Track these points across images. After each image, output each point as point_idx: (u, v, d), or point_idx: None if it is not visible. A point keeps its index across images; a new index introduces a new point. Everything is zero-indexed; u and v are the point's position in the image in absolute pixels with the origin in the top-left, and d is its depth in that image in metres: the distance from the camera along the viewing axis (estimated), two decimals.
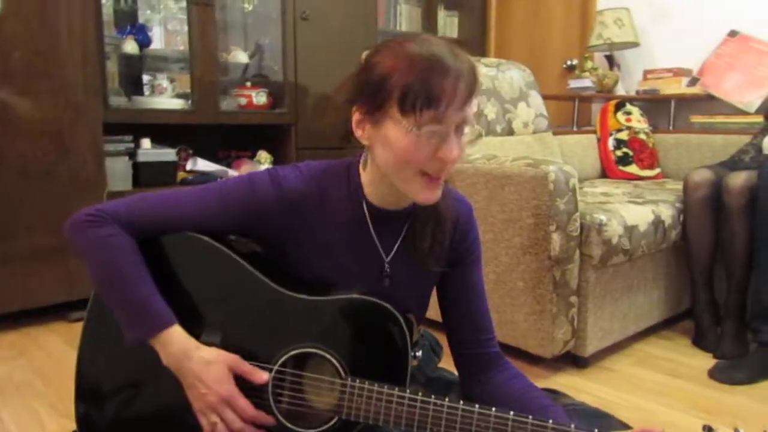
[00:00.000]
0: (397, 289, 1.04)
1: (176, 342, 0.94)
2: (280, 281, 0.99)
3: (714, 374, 1.87)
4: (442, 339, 1.21)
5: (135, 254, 0.95)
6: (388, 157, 0.91)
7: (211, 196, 1.00)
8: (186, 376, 0.94)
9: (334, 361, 0.95)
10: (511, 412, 0.88)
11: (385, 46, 0.91)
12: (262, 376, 0.95)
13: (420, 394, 0.92)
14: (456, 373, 1.16)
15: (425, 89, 0.85)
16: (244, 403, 0.94)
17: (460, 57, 0.88)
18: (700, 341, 2.12)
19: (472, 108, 0.90)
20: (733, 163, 2.27)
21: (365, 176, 1.00)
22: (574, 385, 1.82)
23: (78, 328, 1.05)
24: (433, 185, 0.92)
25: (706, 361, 1.98)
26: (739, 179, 1.98)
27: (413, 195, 0.93)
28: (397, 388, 0.92)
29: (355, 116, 0.94)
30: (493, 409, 0.89)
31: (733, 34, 3.18)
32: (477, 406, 0.89)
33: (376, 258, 1.04)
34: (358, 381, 0.94)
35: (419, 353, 0.99)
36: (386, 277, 1.04)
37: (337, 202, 1.01)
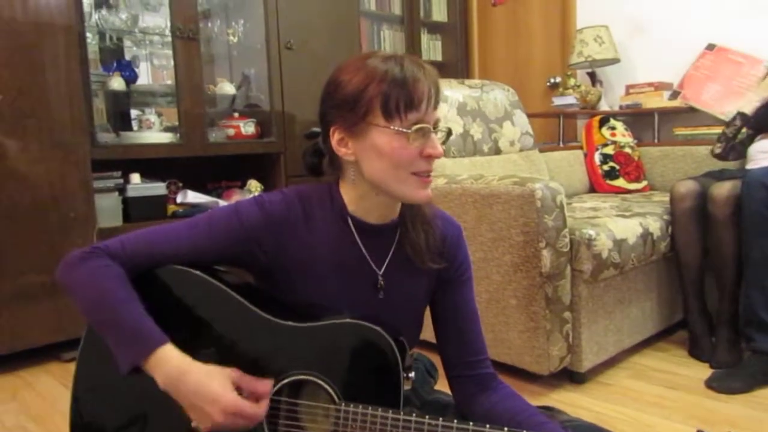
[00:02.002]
0: (392, 303, 1.05)
1: (171, 360, 0.90)
2: (271, 310, 0.99)
3: (711, 384, 1.87)
4: (438, 361, 1.21)
5: (124, 281, 0.95)
6: (380, 164, 0.94)
7: (200, 228, 1.01)
8: (185, 395, 0.89)
9: (328, 387, 0.95)
10: (506, 428, 0.88)
11: (347, 65, 0.96)
12: (265, 387, 0.92)
13: (414, 415, 0.91)
14: (451, 394, 1.16)
15: (405, 93, 0.91)
16: (251, 409, 0.89)
17: (422, 64, 0.95)
18: (695, 351, 2.12)
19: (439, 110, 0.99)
20: (719, 173, 2.30)
21: (347, 194, 1.02)
22: (572, 401, 1.81)
23: (71, 367, 1.05)
24: (425, 184, 0.97)
25: (702, 370, 1.99)
26: (723, 189, 2.00)
27: (410, 196, 0.97)
28: (391, 411, 0.92)
29: (335, 136, 0.97)
30: (488, 426, 0.89)
31: (710, 47, 3.24)
32: (471, 423, 0.89)
33: (369, 272, 1.04)
34: (351, 405, 0.93)
35: (412, 375, 0.99)
36: (380, 290, 1.05)
37: (322, 221, 1.02)
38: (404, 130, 0.91)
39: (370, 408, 0.93)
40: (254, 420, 0.90)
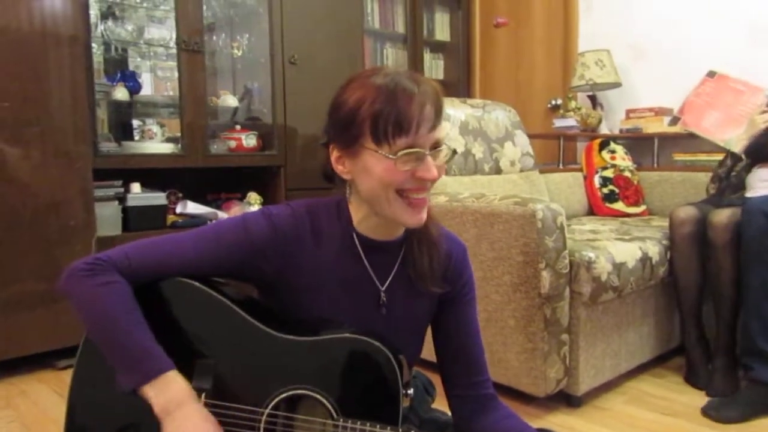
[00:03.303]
0: (394, 320, 1.05)
1: (175, 389, 0.91)
2: (271, 323, 0.99)
3: (707, 412, 1.86)
4: (436, 380, 1.21)
5: (131, 300, 0.94)
6: (370, 184, 0.94)
7: (207, 239, 1.01)
8: (173, 427, 0.90)
9: (326, 402, 0.95)
10: None
11: (351, 81, 0.96)
12: None
13: None
14: (448, 413, 1.15)
15: (394, 116, 0.89)
16: None
17: (423, 82, 0.93)
18: (691, 378, 2.12)
19: (442, 129, 0.95)
20: (718, 200, 2.31)
21: (354, 210, 1.03)
22: (568, 425, 1.80)
23: (66, 376, 1.04)
24: (416, 207, 0.95)
25: (698, 398, 1.98)
26: (723, 216, 2.01)
27: (400, 218, 0.96)
28: (389, 428, 0.92)
29: (334, 154, 0.98)
30: None
31: (711, 74, 3.26)
32: None
33: (372, 288, 1.04)
34: (350, 422, 0.93)
35: (411, 392, 0.99)
36: (383, 306, 1.04)
37: (329, 236, 1.02)
38: (391, 156, 0.90)
39: (368, 424, 0.92)
40: None
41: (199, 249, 1.00)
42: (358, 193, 0.99)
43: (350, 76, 0.97)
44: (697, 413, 1.87)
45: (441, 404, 1.24)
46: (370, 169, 0.93)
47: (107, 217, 2.52)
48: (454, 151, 1.01)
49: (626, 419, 1.85)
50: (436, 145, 0.95)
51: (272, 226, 1.00)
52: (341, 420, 0.93)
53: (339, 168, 0.98)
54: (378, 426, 0.92)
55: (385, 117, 0.89)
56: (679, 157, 3.23)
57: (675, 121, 3.30)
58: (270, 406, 0.96)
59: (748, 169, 2.36)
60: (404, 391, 0.95)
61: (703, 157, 3.12)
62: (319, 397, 0.95)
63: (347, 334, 0.97)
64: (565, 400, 1.95)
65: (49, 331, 2.24)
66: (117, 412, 1.00)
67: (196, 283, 1.00)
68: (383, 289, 1.05)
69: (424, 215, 0.97)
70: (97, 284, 0.93)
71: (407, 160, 0.91)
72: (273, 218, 1.00)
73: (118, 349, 0.93)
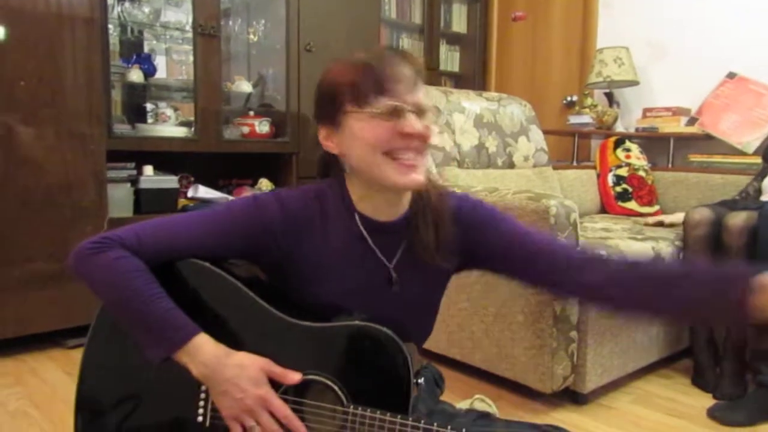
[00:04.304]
0: (406, 297, 1.04)
1: (207, 350, 0.93)
2: (283, 308, 0.99)
3: (713, 414, 1.85)
4: (446, 373, 1.20)
5: (146, 272, 0.94)
6: (358, 151, 0.95)
7: (217, 219, 1.01)
8: (219, 383, 0.92)
9: (336, 389, 0.95)
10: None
11: (333, 62, 0.99)
12: (293, 377, 0.95)
13: (422, 422, 0.91)
14: (456, 406, 1.15)
15: (373, 78, 0.92)
16: (279, 404, 0.93)
17: (399, 50, 0.97)
18: (699, 380, 2.10)
19: (422, 93, 0.96)
20: (733, 203, 2.29)
21: (353, 191, 1.03)
22: (573, 423, 1.80)
23: (75, 354, 1.05)
24: (407, 168, 0.94)
25: (705, 400, 1.97)
26: (739, 219, 1.99)
27: (391, 180, 0.95)
28: (399, 416, 0.91)
29: (322, 134, 1.00)
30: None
31: (731, 75, 3.23)
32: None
33: (381, 267, 1.04)
34: (360, 408, 0.93)
35: (421, 381, 0.99)
36: (395, 284, 1.04)
37: (336, 217, 1.02)
38: (374, 111, 0.92)
39: (378, 412, 0.92)
40: (279, 415, 0.93)
41: (209, 229, 1.00)
42: (351, 169, 0.99)
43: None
44: (703, 416, 1.87)
45: (449, 397, 1.24)
46: (356, 134, 0.94)
47: (119, 199, 2.53)
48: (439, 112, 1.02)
49: (632, 419, 1.85)
50: (419, 108, 0.95)
51: (283, 207, 1.00)
52: (351, 407, 0.94)
53: (329, 146, 1.00)
54: (388, 414, 0.92)
55: (365, 79, 0.92)
56: (695, 158, 3.20)
57: (692, 121, 3.28)
58: (280, 390, 0.96)
59: (764, 174, 2.34)
60: (414, 380, 0.95)
61: (719, 159, 3.09)
62: (329, 383, 0.95)
63: (357, 322, 0.96)
64: (571, 397, 1.94)
65: (59, 310, 2.26)
66: (131, 386, 1.01)
67: (210, 265, 1.00)
68: (392, 266, 1.04)
69: (418, 176, 0.95)
70: (109, 260, 0.93)
71: (389, 117, 0.92)
72: (283, 200, 1.01)
73: (141, 321, 0.93)
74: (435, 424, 0.90)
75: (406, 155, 0.94)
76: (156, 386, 0.99)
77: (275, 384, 0.95)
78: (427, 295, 1.10)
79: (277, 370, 0.95)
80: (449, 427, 0.90)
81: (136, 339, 0.95)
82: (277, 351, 0.97)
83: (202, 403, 0.99)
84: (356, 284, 1.03)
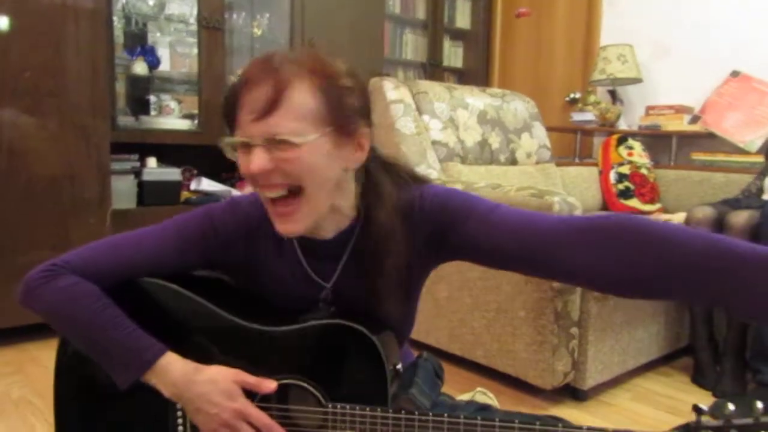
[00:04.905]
0: (355, 305, 0.98)
1: (175, 369, 0.90)
2: (247, 315, 0.97)
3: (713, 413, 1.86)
4: (446, 368, 1.21)
5: (101, 296, 0.91)
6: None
7: (167, 234, 0.97)
8: (191, 401, 0.90)
9: (313, 390, 0.93)
10: (497, 419, 0.84)
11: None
12: (269, 386, 0.92)
13: (403, 411, 0.89)
14: (456, 397, 1.14)
15: (227, 106, 0.85)
16: (257, 414, 0.91)
17: (280, 68, 0.81)
18: (699, 378, 2.11)
19: (286, 117, 0.80)
20: (736, 202, 2.29)
21: None
22: (573, 419, 1.78)
23: None
24: (278, 216, 0.86)
25: (704, 398, 1.97)
26: (741, 217, 1.99)
27: (276, 227, 0.88)
28: (379, 408, 0.90)
29: None
30: (479, 417, 0.86)
31: (734, 74, 3.22)
32: (462, 416, 0.86)
33: (314, 286, 1.00)
34: (339, 406, 0.91)
35: (399, 366, 0.96)
36: (328, 304, 1.00)
37: (266, 234, 0.99)
38: (222, 146, 0.85)
39: (357, 407, 0.91)
40: (258, 424, 0.91)
41: (159, 244, 0.96)
42: None
43: None
44: None
45: (449, 388, 1.25)
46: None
47: (123, 191, 2.54)
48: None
49: (631, 416, 1.85)
50: (274, 136, 0.80)
51: (235, 215, 0.98)
52: (330, 405, 0.92)
53: None
54: (368, 408, 0.90)
55: (224, 107, 0.85)
56: (698, 156, 3.20)
57: (695, 120, 3.28)
58: (257, 399, 0.94)
59: (765, 173, 2.34)
60: (391, 367, 0.92)
61: (722, 157, 3.09)
62: (305, 385, 0.94)
63: (327, 320, 0.94)
64: (571, 393, 1.95)
65: None
66: (106, 405, 1.00)
67: (168, 283, 0.98)
68: (329, 286, 1.00)
69: (292, 226, 0.86)
70: (59, 288, 0.89)
71: (242, 150, 0.83)
72: (235, 208, 0.99)
73: (102, 348, 0.90)
74: (416, 412, 0.88)
75: (266, 193, 0.85)
76: (132, 404, 0.96)
77: (251, 394, 0.93)
78: (386, 293, 0.96)
79: (251, 380, 0.92)
80: (431, 414, 0.88)
81: (101, 365, 0.91)
82: (248, 360, 0.95)
83: (180, 420, 0.97)
84: (288, 300, 1.00)
